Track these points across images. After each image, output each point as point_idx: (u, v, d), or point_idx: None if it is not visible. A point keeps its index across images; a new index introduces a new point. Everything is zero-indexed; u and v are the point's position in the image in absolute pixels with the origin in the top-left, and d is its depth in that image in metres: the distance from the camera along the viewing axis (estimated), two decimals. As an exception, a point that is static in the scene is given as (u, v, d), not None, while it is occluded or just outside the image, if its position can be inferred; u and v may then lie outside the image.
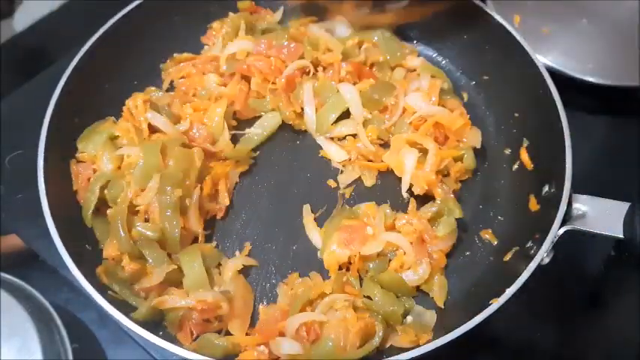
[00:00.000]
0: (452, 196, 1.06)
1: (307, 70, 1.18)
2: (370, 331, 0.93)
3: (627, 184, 1.15)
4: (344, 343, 0.90)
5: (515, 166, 1.13)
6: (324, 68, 1.19)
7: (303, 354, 0.89)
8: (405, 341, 0.93)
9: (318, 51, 1.19)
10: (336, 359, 0.89)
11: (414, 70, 1.21)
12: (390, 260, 1.00)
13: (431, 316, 0.98)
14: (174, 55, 1.26)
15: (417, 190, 1.05)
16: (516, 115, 1.15)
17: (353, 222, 1.03)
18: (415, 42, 1.31)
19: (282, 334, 0.93)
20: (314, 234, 1.07)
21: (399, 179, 1.08)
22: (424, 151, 1.07)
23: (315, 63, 1.19)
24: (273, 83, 1.18)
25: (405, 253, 0.99)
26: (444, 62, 1.29)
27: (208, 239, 1.08)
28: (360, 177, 1.14)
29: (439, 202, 1.04)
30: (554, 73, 1.08)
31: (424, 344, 0.85)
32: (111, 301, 0.89)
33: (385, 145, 1.15)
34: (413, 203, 1.06)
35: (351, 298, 0.95)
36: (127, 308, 0.93)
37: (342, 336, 0.90)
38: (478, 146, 1.12)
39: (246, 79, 1.20)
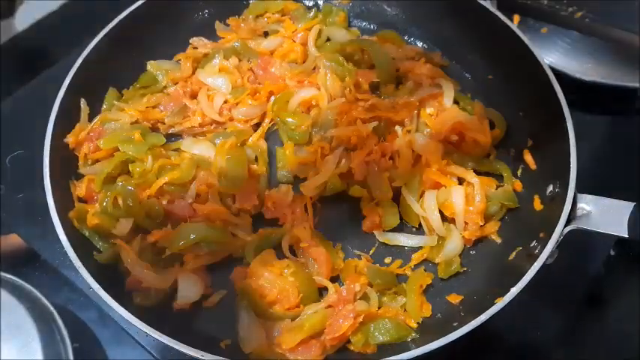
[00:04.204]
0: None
1: None
2: None
3: (628, 183, 1.16)
4: None
5: (520, 167, 1.12)
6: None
7: None
8: None
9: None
10: None
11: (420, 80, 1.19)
12: None
13: None
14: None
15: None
16: (520, 114, 1.15)
17: None
18: (419, 43, 1.32)
19: None
20: None
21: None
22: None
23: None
24: None
25: None
26: (449, 63, 1.29)
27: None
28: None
29: None
30: (553, 73, 1.08)
31: (426, 344, 0.84)
32: (121, 304, 0.87)
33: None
34: None
35: None
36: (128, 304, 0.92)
37: None
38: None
39: None
